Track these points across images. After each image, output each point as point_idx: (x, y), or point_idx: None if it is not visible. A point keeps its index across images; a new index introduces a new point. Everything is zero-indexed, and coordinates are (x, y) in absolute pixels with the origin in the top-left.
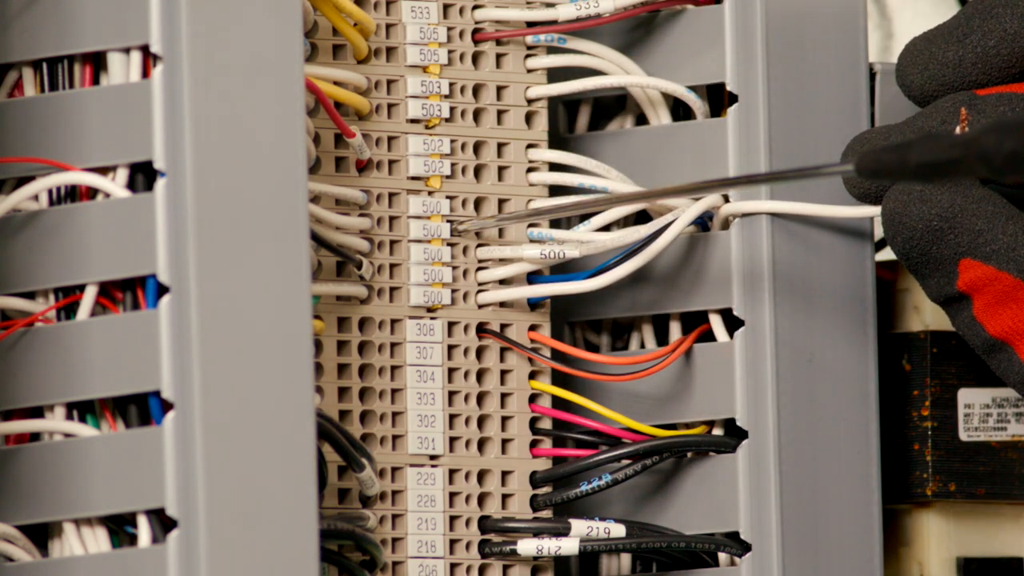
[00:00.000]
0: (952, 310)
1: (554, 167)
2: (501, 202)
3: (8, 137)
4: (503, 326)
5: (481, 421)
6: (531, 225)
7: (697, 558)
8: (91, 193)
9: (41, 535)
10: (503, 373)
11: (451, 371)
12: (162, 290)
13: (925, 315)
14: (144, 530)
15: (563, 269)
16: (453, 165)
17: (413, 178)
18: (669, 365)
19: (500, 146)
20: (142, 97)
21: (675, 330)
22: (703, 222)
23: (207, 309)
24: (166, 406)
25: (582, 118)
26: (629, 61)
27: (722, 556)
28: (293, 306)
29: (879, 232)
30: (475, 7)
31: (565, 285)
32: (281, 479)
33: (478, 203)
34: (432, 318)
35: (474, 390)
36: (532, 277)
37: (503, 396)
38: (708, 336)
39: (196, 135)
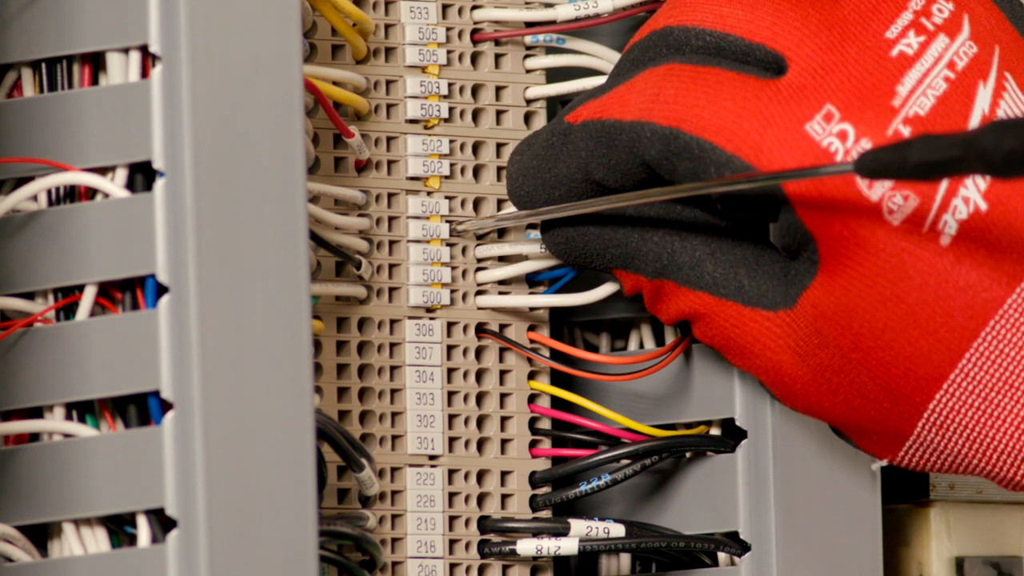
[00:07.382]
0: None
1: None
2: (500, 202)
3: (8, 137)
4: (502, 326)
5: (480, 421)
6: (530, 226)
7: (696, 558)
8: (90, 193)
9: (41, 535)
10: (502, 373)
11: (450, 371)
12: (161, 290)
13: None
14: (144, 530)
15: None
16: (452, 165)
17: (412, 178)
18: (668, 365)
19: (499, 146)
20: (141, 97)
21: (674, 330)
22: None
23: (207, 309)
24: (165, 406)
25: None
26: None
27: (722, 556)
28: (293, 306)
29: None
30: (474, 7)
31: (567, 297)
32: (281, 479)
33: (477, 203)
34: (431, 318)
35: (473, 390)
36: (532, 277)
37: (502, 396)
38: None
39: (195, 135)
